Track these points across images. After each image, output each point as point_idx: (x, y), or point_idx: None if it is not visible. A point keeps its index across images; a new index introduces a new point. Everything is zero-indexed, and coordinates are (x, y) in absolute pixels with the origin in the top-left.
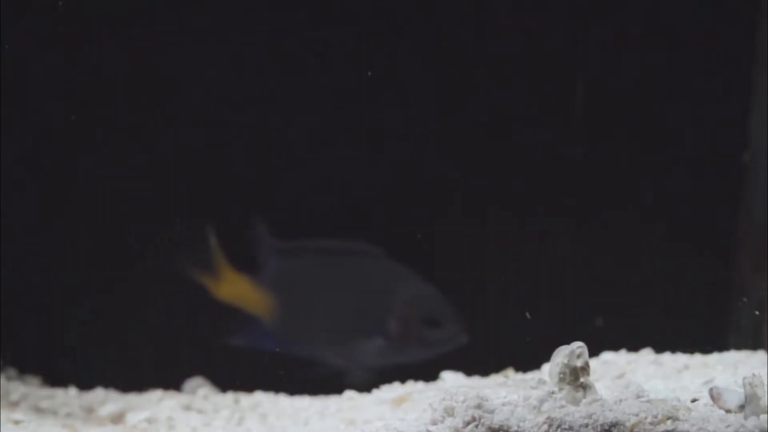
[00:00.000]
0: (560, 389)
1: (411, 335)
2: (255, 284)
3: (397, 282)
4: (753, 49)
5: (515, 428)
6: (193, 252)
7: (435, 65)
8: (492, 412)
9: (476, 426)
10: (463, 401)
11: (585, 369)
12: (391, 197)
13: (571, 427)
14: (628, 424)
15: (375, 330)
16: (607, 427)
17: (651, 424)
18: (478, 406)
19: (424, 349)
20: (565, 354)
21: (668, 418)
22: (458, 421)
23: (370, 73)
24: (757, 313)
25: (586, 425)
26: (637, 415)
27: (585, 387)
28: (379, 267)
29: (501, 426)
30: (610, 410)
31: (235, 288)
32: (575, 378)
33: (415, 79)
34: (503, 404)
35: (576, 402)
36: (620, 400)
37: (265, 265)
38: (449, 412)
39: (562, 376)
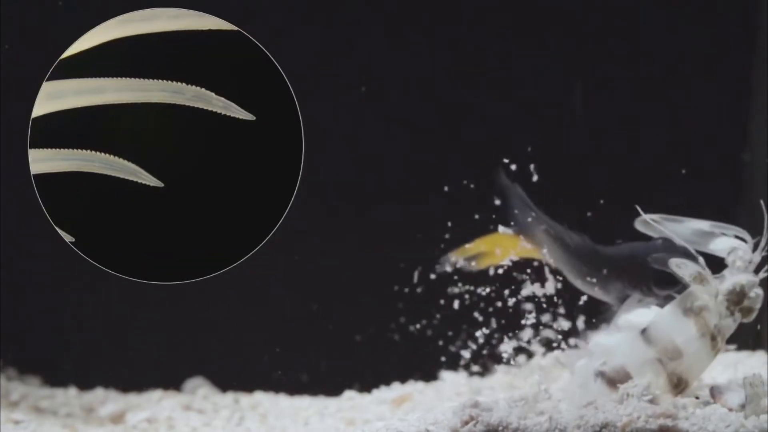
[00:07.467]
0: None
1: None
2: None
3: None
4: (753, 49)
5: (515, 425)
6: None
7: None
8: (490, 410)
9: (474, 425)
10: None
11: None
12: None
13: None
14: (619, 424)
15: None
16: (598, 428)
17: (644, 422)
18: (475, 405)
19: None
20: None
21: (667, 417)
22: (456, 421)
23: None
24: None
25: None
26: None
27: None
28: None
29: (500, 423)
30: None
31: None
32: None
33: None
34: (499, 402)
35: None
36: (621, 400)
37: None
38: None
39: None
